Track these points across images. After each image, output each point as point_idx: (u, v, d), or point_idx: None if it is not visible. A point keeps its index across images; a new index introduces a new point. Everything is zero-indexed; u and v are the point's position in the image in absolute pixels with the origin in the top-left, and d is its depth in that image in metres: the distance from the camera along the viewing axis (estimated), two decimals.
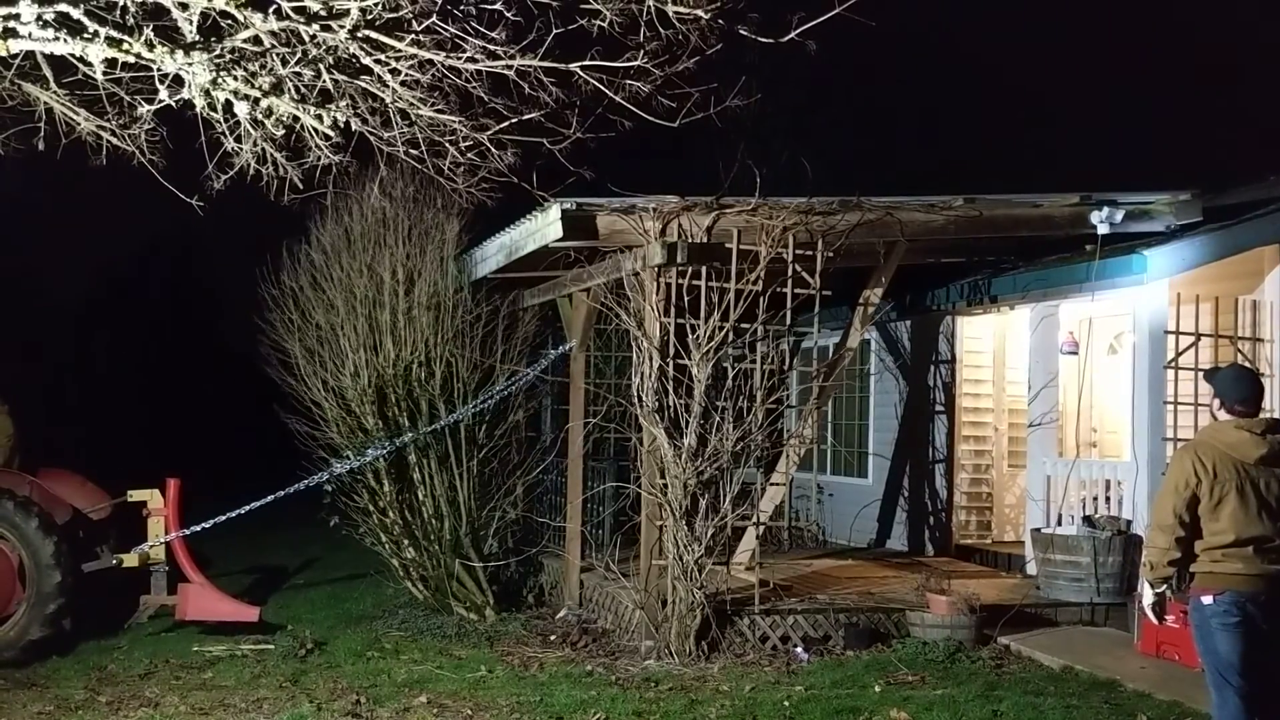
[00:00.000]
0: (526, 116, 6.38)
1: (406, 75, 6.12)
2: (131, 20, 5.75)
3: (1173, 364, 10.04)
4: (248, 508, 10.40)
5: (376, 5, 5.79)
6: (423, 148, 6.51)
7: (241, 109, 6.03)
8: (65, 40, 5.63)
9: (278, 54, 5.93)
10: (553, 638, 9.84)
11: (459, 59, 6.08)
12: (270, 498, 10.48)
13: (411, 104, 6.23)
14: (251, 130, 6.25)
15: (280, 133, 6.25)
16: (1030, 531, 10.87)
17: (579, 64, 6.15)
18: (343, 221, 11.26)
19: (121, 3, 5.71)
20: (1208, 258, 10.19)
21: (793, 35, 6.05)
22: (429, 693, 7.95)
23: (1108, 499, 10.54)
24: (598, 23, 5.98)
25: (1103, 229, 10.22)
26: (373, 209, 11.11)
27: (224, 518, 10.36)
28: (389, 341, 10.94)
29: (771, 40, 6.07)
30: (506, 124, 6.42)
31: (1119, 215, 10.24)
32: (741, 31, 6.07)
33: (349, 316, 11.00)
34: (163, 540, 10.35)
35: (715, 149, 9.97)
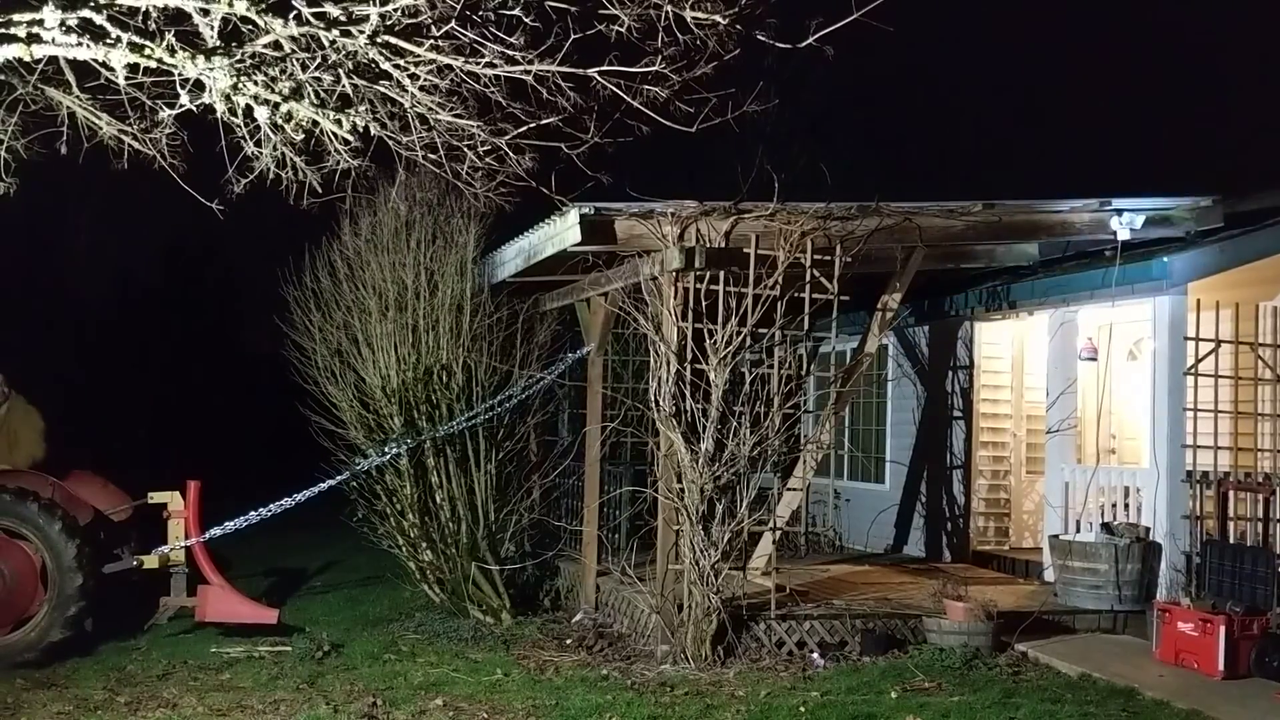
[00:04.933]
0: (544, 121, 6.39)
1: (425, 80, 6.15)
2: (153, 26, 5.80)
3: (1193, 370, 9.99)
4: (270, 511, 10.45)
5: (396, 11, 5.82)
6: (441, 152, 6.53)
7: (262, 114, 6.06)
8: (88, 46, 5.68)
9: (298, 59, 5.97)
10: (568, 641, 9.85)
11: (477, 64, 6.11)
12: (291, 501, 10.53)
13: (430, 109, 6.26)
14: (271, 135, 6.28)
15: (300, 137, 6.28)
16: (1048, 538, 10.83)
17: (597, 69, 6.17)
18: (369, 224, 11.31)
19: (144, 8, 5.76)
20: (1228, 263, 10.14)
21: (811, 41, 6.05)
22: (445, 695, 7.97)
23: (1127, 506, 10.49)
24: (615, 28, 5.99)
25: (1123, 234, 10.20)
26: (396, 213, 11.16)
27: (244, 522, 10.41)
28: (412, 344, 10.99)
29: (790, 46, 6.07)
30: (524, 128, 6.44)
31: (1139, 221, 10.21)
32: (759, 37, 6.08)
33: (379, 318, 11.04)
34: (184, 544, 10.40)
35: (734, 154, 9.98)
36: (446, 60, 6.04)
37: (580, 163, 6.56)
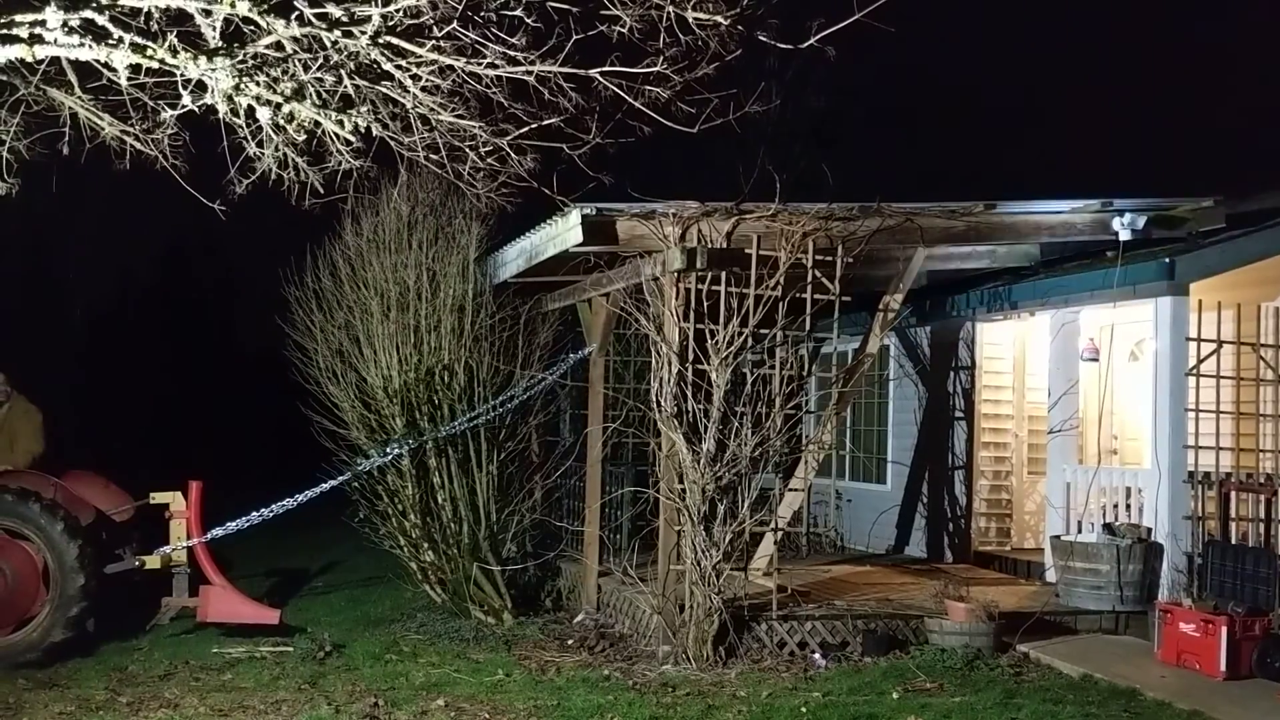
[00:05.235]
0: (546, 122, 6.39)
1: (427, 81, 6.15)
2: (155, 27, 5.80)
3: (1194, 371, 9.99)
4: (272, 511, 10.47)
5: (398, 12, 5.82)
6: (443, 153, 6.53)
7: (263, 114, 6.06)
8: (90, 46, 5.68)
9: (300, 60, 5.97)
10: (570, 642, 9.85)
11: (479, 64, 6.11)
12: (293, 502, 10.55)
13: (432, 109, 6.26)
14: (273, 135, 6.28)
15: (302, 138, 6.28)
16: (1050, 539, 10.83)
17: (598, 69, 6.17)
18: (371, 224, 11.31)
19: (146, 9, 5.76)
20: (1230, 264, 10.14)
21: (812, 41, 6.05)
22: (446, 696, 7.98)
23: (1128, 506, 10.49)
24: (617, 29, 5.99)
25: (1125, 235, 10.20)
26: (398, 213, 11.17)
27: (245, 522, 10.43)
28: (414, 345, 10.99)
29: (791, 46, 6.07)
30: (526, 129, 6.43)
31: (1140, 221, 10.21)
32: (761, 37, 6.08)
33: (381, 319, 11.04)
34: (185, 545, 10.40)
35: (735, 154, 9.97)
36: (448, 61, 6.04)
37: (582, 163, 6.56)
